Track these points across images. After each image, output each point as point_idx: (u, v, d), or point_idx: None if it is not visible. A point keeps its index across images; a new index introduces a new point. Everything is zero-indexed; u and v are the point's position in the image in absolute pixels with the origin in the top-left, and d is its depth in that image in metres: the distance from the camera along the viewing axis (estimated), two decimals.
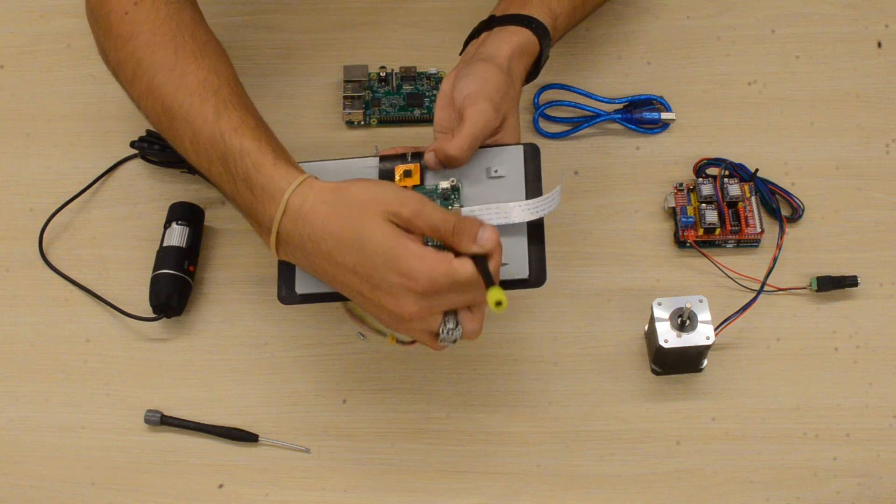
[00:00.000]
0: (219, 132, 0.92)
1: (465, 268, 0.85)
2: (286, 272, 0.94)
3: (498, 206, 0.92)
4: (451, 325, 0.89)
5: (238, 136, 0.92)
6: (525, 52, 0.99)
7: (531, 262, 0.92)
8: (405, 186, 0.94)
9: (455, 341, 0.90)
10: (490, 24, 1.00)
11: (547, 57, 1.02)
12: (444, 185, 0.93)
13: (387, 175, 0.95)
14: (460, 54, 1.02)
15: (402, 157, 0.95)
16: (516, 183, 0.93)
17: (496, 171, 0.94)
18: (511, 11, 1.00)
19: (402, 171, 0.95)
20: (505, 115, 0.95)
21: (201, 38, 0.97)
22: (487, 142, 0.95)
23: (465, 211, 0.92)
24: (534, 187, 0.93)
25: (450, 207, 0.93)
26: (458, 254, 0.87)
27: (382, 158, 0.96)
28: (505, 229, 0.91)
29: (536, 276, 0.92)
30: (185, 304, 1.05)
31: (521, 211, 0.92)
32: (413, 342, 0.95)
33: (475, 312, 0.89)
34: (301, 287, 0.94)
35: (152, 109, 0.96)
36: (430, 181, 0.95)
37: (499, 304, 0.83)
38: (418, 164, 0.95)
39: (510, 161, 0.94)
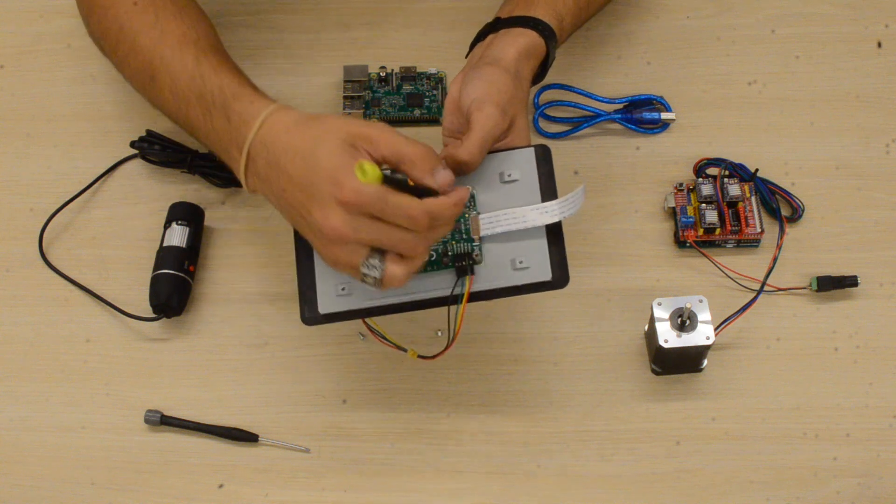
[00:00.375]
0: (198, 74, 0.96)
1: (399, 196, 0.84)
2: (308, 292, 0.93)
3: (515, 210, 0.92)
4: (374, 260, 0.86)
5: (217, 75, 0.96)
6: (532, 53, 0.99)
7: (553, 264, 0.92)
8: None
9: (377, 281, 0.87)
10: (495, 26, 1.00)
11: (553, 58, 1.01)
12: None
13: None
14: (466, 57, 1.02)
15: None
16: (531, 185, 0.93)
17: (510, 176, 0.93)
18: (516, 13, 1.00)
19: None
20: (513, 118, 0.95)
21: (180, 2, 1.02)
22: (497, 146, 0.94)
23: (483, 217, 0.92)
24: (548, 188, 0.93)
25: (466, 215, 0.92)
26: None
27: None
28: (523, 233, 0.91)
29: (559, 278, 0.92)
30: (185, 304, 1.05)
31: (543, 214, 0.91)
32: (435, 356, 0.95)
33: (404, 261, 0.87)
34: (324, 306, 0.93)
35: (135, 69, 1.00)
36: None
37: (363, 171, 0.81)
38: None
39: (522, 164, 0.93)
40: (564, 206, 0.91)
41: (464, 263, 0.92)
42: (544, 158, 0.94)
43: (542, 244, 0.92)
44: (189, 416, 1.02)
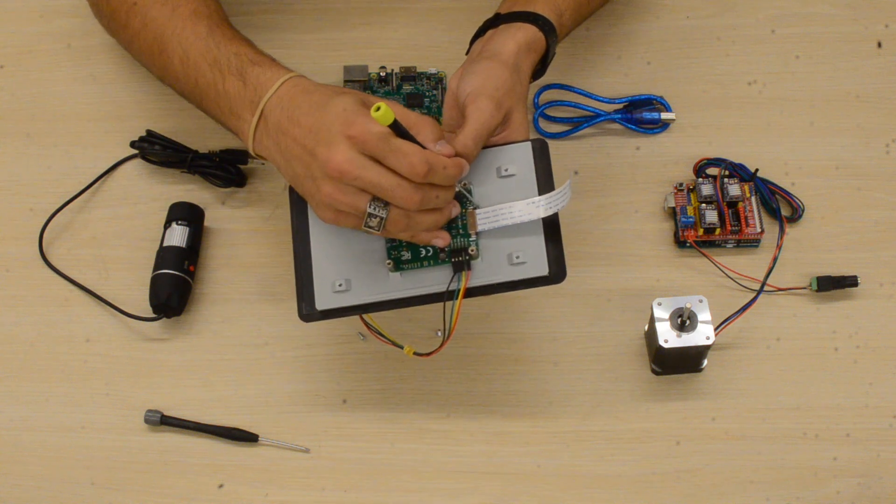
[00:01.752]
0: (213, 43, 0.99)
1: (402, 141, 0.87)
2: (305, 289, 0.94)
3: (510, 205, 0.92)
4: (380, 202, 0.88)
5: (232, 43, 0.99)
6: (531, 48, 0.99)
7: (550, 259, 0.92)
8: None
9: (381, 223, 0.88)
10: (496, 21, 1.00)
11: (553, 54, 1.01)
12: (456, 188, 0.92)
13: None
14: (466, 53, 1.02)
15: None
16: (528, 180, 0.93)
17: (506, 170, 0.93)
18: (516, 9, 1.00)
19: None
20: (509, 112, 0.95)
21: None
22: (494, 140, 0.94)
23: (480, 213, 0.92)
24: (546, 183, 0.93)
25: (464, 210, 0.93)
26: None
27: None
28: (520, 228, 0.92)
29: (556, 273, 0.92)
30: (185, 304, 1.05)
31: (531, 208, 0.91)
32: (431, 353, 0.95)
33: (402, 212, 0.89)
34: (321, 303, 0.93)
35: (145, 43, 1.03)
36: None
37: (378, 109, 0.84)
38: None
39: (519, 158, 0.93)
40: (551, 200, 0.91)
41: (460, 259, 0.92)
42: (542, 153, 0.94)
43: (539, 239, 0.92)
44: (189, 416, 1.02)
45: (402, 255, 0.93)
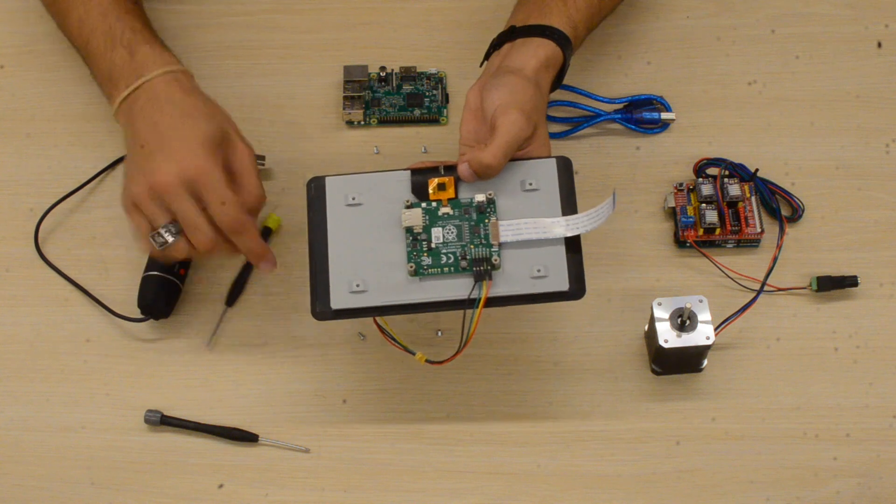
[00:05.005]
0: (113, 14, 1.03)
1: (229, 192, 0.94)
2: (320, 287, 0.92)
3: (539, 220, 0.92)
4: (174, 227, 0.95)
5: (129, 17, 1.03)
6: (550, 64, 0.99)
7: (571, 275, 0.92)
8: (439, 200, 0.94)
9: (164, 246, 0.95)
10: (512, 35, 1.00)
11: (568, 67, 1.02)
12: (480, 197, 0.93)
13: (420, 188, 0.94)
14: (481, 66, 1.02)
15: (434, 170, 0.94)
16: (551, 196, 0.93)
17: (531, 184, 0.93)
18: (532, 21, 1.00)
19: (435, 185, 0.94)
20: (535, 127, 0.95)
21: None
22: (517, 154, 0.94)
23: (504, 224, 0.92)
24: (568, 200, 0.93)
25: (486, 221, 0.93)
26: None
27: (414, 172, 0.94)
28: (542, 241, 0.92)
29: (576, 289, 0.92)
30: (172, 306, 1.05)
31: (567, 227, 0.92)
32: (443, 361, 0.94)
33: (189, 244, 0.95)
34: (337, 302, 0.92)
35: None
36: (464, 194, 0.94)
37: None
38: (452, 178, 0.94)
39: (544, 174, 0.94)
40: (580, 221, 0.92)
41: (482, 268, 0.92)
42: (566, 170, 0.94)
43: (561, 254, 0.92)
44: (189, 416, 1.02)
45: (423, 260, 0.92)
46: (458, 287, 0.92)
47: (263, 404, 1.03)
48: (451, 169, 0.94)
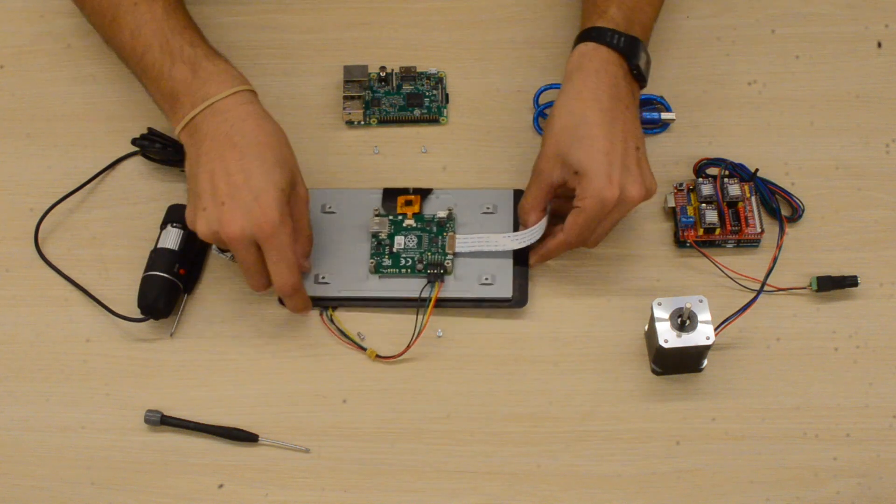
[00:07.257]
0: (168, 27, 1.02)
1: (292, 257, 0.97)
2: None
3: (488, 235, 1.04)
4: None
5: (187, 33, 1.02)
6: (620, 84, 1.02)
7: (514, 286, 1.04)
8: (405, 214, 1.07)
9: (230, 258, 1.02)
10: (590, 35, 1.04)
11: (639, 63, 1.04)
12: (442, 214, 1.06)
13: (389, 203, 1.07)
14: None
15: (404, 191, 1.07)
16: (505, 219, 1.06)
17: (488, 208, 1.07)
18: (590, 24, 1.04)
19: (403, 201, 1.07)
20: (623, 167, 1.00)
21: None
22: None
23: (460, 238, 1.05)
24: (518, 223, 1.05)
25: (445, 234, 1.05)
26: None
27: (387, 191, 1.08)
28: (494, 255, 1.04)
29: (518, 299, 1.04)
30: (172, 306, 1.05)
31: (510, 240, 1.04)
32: (392, 357, 1.01)
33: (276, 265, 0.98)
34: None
35: (98, 5, 1.05)
36: (428, 209, 1.07)
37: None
38: (419, 196, 1.07)
39: (503, 201, 1.07)
40: (524, 237, 1.03)
41: (436, 271, 1.03)
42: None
43: (509, 266, 1.04)
44: (189, 416, 1.02)
45: (384, 261, 1.05)
46: (412, 286, 1.04)
47: (263, 404, 1.03)
48: (419, 191, 1.07)
